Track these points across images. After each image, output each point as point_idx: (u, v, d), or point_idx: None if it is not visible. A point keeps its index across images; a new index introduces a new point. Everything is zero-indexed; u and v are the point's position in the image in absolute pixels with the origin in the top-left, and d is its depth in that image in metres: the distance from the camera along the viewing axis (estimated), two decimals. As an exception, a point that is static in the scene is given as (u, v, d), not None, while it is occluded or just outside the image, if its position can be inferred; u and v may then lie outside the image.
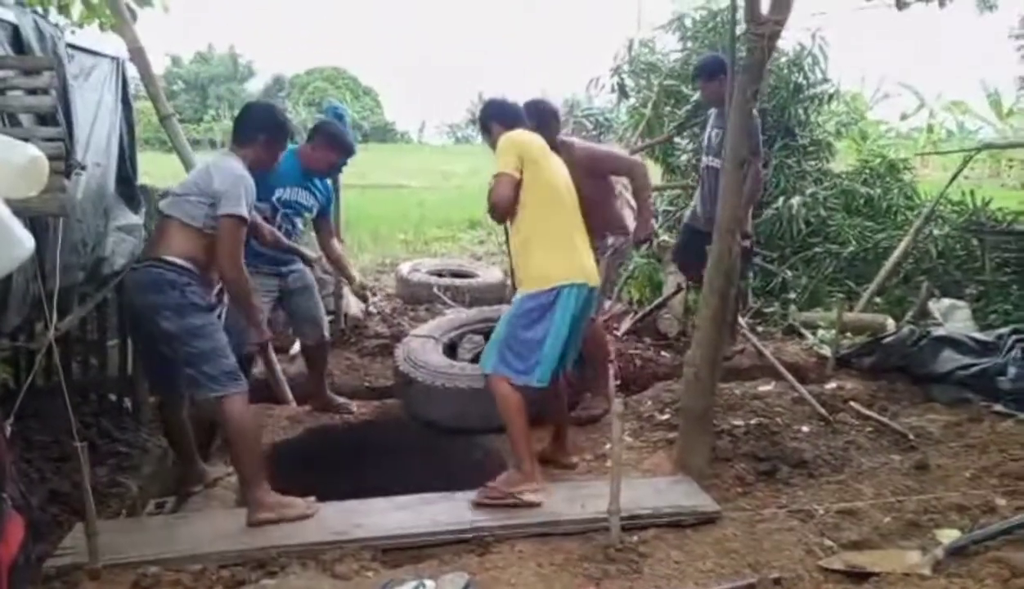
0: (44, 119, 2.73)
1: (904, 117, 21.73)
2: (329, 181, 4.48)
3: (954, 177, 6.28)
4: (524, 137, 3.40)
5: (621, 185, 4.64)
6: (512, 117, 3.55)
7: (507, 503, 3.15)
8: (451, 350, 4.62)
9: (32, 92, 2.62)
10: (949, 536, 2.87)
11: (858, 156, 8.45)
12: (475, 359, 4.40)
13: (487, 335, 4.25)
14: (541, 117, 3.92)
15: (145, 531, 3.06)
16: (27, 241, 2.14)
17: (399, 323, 5.88)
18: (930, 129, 21.37)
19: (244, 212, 3.13)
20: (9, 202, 2.10)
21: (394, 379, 4.51)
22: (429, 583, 2.68)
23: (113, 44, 4.01)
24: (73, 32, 3.42)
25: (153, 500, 3.60)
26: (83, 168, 2.88)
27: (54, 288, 2.62)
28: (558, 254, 3.30)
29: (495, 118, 3.55)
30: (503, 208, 3.31)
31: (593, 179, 4.02)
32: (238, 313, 3.45)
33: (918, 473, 3.43)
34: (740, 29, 4.81)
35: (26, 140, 2.23)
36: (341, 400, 4.55)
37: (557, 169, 3.45)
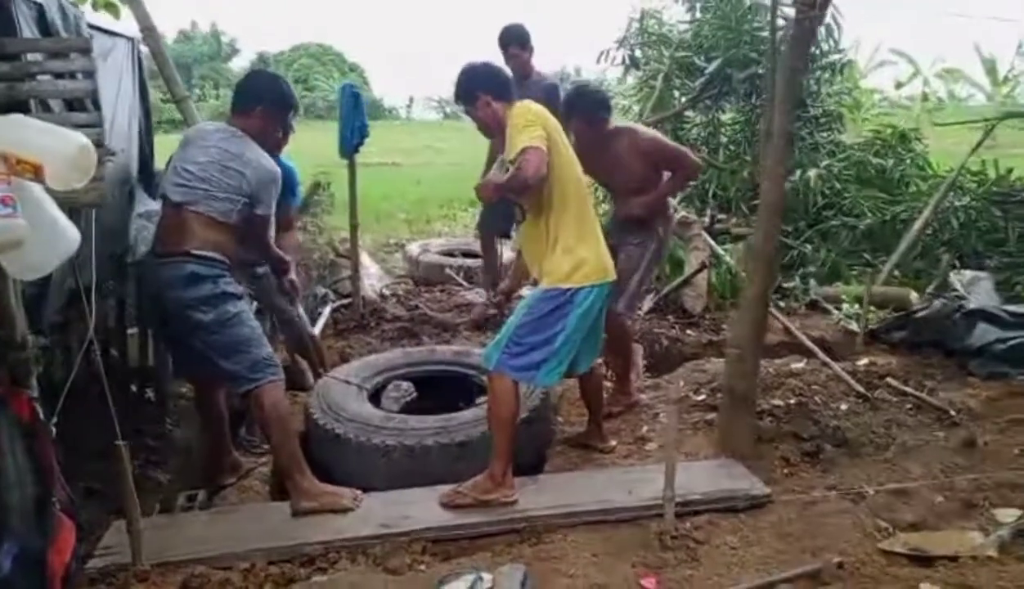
0: (72, 104, 2.62)
1: (899, 85, 21.66)
2: (292, 165, 3.95)
3: (977, 146, 6.20)
4: (545, 111, 3.09)
5: None
6: (504, 87, 3.16)
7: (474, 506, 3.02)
8: (375, 398, 3.85)
9: (60, 75, 2.49)
10: (1008, 515, 2.83)
11: (862, 127, 8.35)
12: (403, 410, 3.78)
13: (416, 381, 3.97)
14: (592, 107, 3.78)
15: (186, 528, 2.97)
16: (73, 235, 2.05)
17: (416, 305, 5.79)
18: (924, 97, 21.29)
19: (274, 209, 3.23)
20: (50, 193, 2.01)
21: (307, 429, 3.56)
22: (486, 576, 2.61)
23: (126, 25, 3.87)
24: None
25: (184, 493, 3.51)
26: (112, 154, 2.77)
27: (91, 280, 2.52)
28: (582, 250, 3.06)
29: (483, 87, 3.13)
30: (536, 186, 2.97)
31: (654, 169, 3.93)
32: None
33: (966, 450, 3.38)
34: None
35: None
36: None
37: (573, 154, 3.20)
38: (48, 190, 1.97)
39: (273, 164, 3.18)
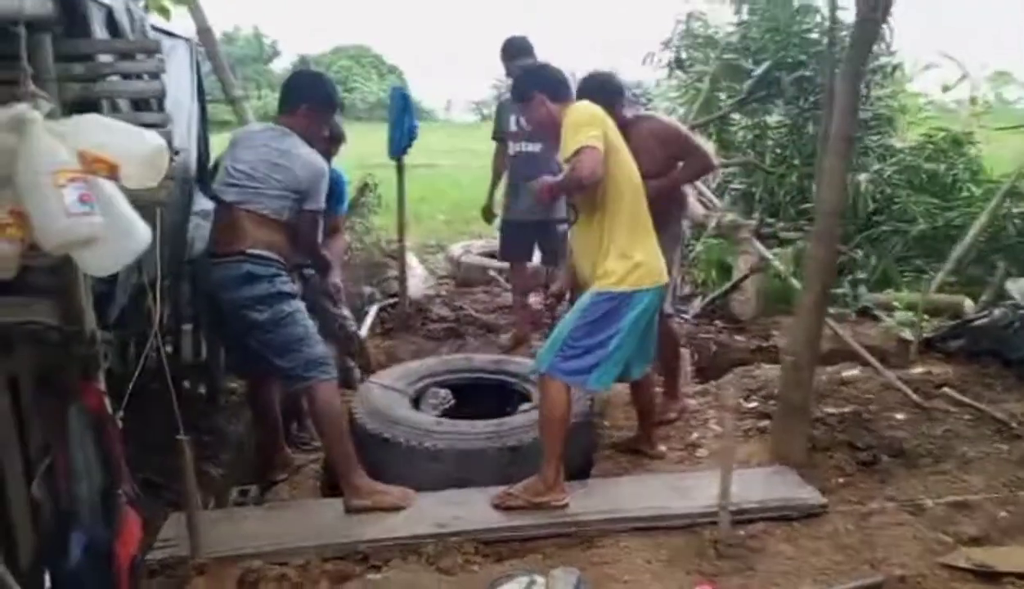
0: (138, 104, 2.66)
1: (946, 89, 21.17)
2: (341, 171, 3.90)
3: (1037, 151, 6.04)
4: (602, 112, 3.06)
5: None
6: (561, 87, 3.16)
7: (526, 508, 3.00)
8: (415, 404, 3.77)
9: (128, 76, 2.54)
10: (1077, 532, 2.75)
11: (907, 131, 8.14)
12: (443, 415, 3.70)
13: (453, 388, 3.92)
14: (607, 94, 3.55)
15: (241, 523, 3.01)
16: (144, 233, 2.08)
17: (460, 306, 5.81)
18: (973, 101, 20.76)
19: (324, 205, 3.25)
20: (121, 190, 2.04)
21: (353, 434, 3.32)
22: (539, 579, 2.61)
23: (183, 25, 3.94)
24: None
25: (236, 488, 3.56)
26: (176, 154, 2.80)
27: (155, 277, 2.56)
28: (637, 254, 3.02)
29: (540, 86, 3.13)
30: (590, 187, 2.91)
31: (671, 159, 3.82)
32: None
33: (1029, 464, 3.29)
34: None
35: (133, 127, 2.15)
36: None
37: (630, 156, 3.15)
38: (120, 187, 2.01)
39: (321, 160, 3.23)
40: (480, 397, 3.97)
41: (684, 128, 4.02)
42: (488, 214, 5.36)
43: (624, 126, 3.56)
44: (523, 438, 3.26)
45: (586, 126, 2.93)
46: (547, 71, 3.27)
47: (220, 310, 3.16)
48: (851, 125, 3.09)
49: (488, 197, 5.32)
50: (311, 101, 3.23)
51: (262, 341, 3.06)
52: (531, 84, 3.18)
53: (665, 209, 3.74)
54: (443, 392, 3.96)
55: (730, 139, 7.66)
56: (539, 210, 4.49)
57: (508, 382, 3.96)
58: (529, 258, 5.23)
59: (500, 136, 5.03)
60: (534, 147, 4.67)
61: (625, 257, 3.01)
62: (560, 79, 3.22)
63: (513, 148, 4.82)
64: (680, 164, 3.86)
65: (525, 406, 3.61)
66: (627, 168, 3.09)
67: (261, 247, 3.04)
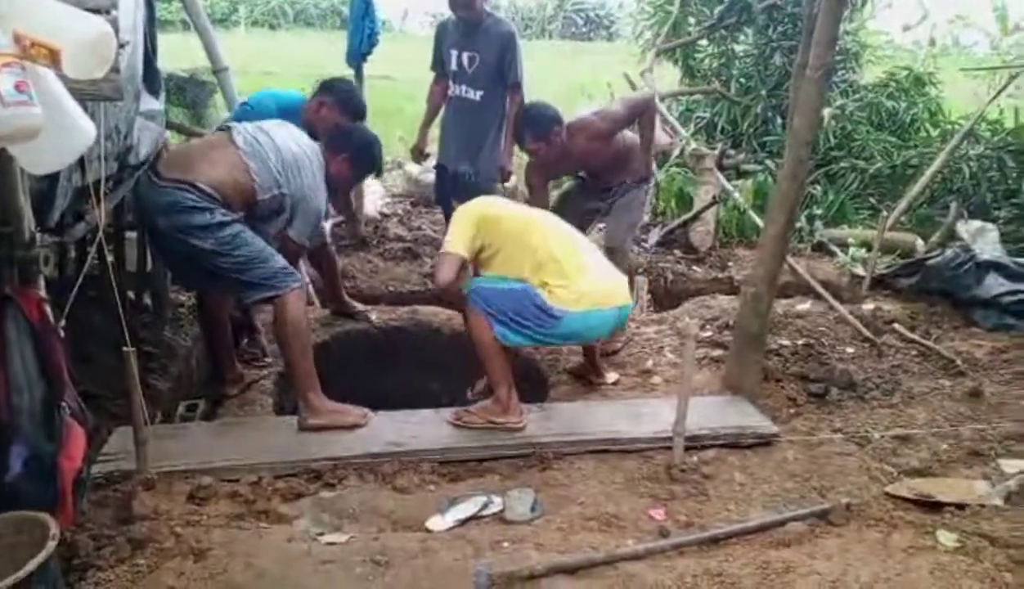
0: (79, -13, 2.43)
1: (907, 28, 21.13)
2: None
3: (998, 94, 6.08)
4: (477, 208, 3.14)
5: None
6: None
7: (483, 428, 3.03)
8: None
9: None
10: (1014, 466, 2.85)
11: (865, 69, 8.13)
12: None
13: None
14: (544, 125, 3.82)
15: (191, 438, 2.93)
16: (89, 129, 1.92)
17: (419, 226, 5.67)
18: (932, 42, 20.79)
19: (307, 244, 3.28)
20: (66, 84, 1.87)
21: None
22: (496, 499, 2.62)
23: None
24: None
25: (183, 402, 3.46)
26: (123, 45, 2.59)
27: (100, 178, 2.40)
28: (581, 284, 2.99)
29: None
30: (445, 289, 3.04)
31: (618, 134, 3.98)
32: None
33: (971, 400, 3.39)
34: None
35: (74, 11, 1.96)
36: (360, 307, 4.33)
37: (523, 209, 3.30)
38: (62, 79, 1.84)
39: (324, 207, 3.28)
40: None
41: (608, 106, 4.06)
42: (418, 154, 4.93)
43: (565, 146, 3.88)
44: None
45: (454, 227, 3.05)
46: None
47: (158, 233, 3.03)
48: (830, 54, 3.02)
49: (420, 135, 4.83)
50: (353, 156, 3.28)
51: (217, 265, 2.93)
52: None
53: (617, 181, 3.99)
54: None
55: (696, 66, 7.54)
56: (467, 162, 4.41)
57: None
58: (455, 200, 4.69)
59: (440, 69, 4.56)
60: (474, 95, 4.31)
61: (567, 289, 2.98)
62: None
63: (453, 89, 4.42)
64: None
65: None
66: (518, 220, 3.12)
67: (210, 185, 2.91)
